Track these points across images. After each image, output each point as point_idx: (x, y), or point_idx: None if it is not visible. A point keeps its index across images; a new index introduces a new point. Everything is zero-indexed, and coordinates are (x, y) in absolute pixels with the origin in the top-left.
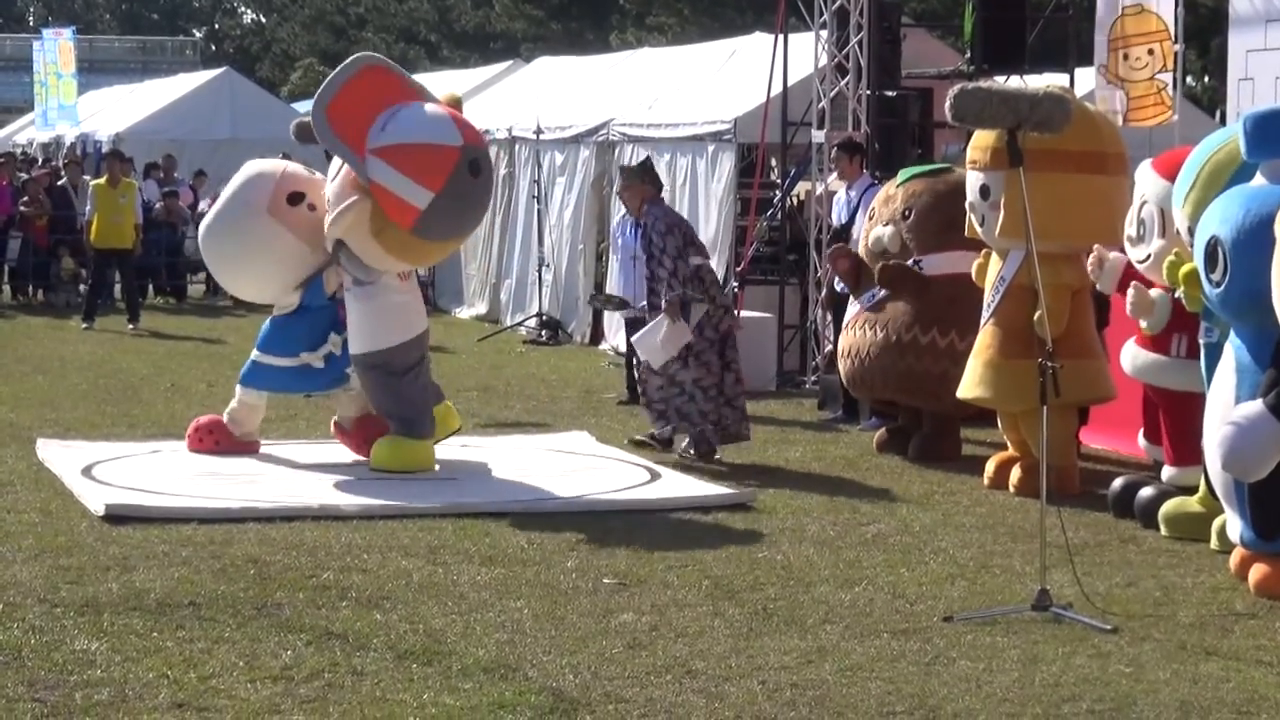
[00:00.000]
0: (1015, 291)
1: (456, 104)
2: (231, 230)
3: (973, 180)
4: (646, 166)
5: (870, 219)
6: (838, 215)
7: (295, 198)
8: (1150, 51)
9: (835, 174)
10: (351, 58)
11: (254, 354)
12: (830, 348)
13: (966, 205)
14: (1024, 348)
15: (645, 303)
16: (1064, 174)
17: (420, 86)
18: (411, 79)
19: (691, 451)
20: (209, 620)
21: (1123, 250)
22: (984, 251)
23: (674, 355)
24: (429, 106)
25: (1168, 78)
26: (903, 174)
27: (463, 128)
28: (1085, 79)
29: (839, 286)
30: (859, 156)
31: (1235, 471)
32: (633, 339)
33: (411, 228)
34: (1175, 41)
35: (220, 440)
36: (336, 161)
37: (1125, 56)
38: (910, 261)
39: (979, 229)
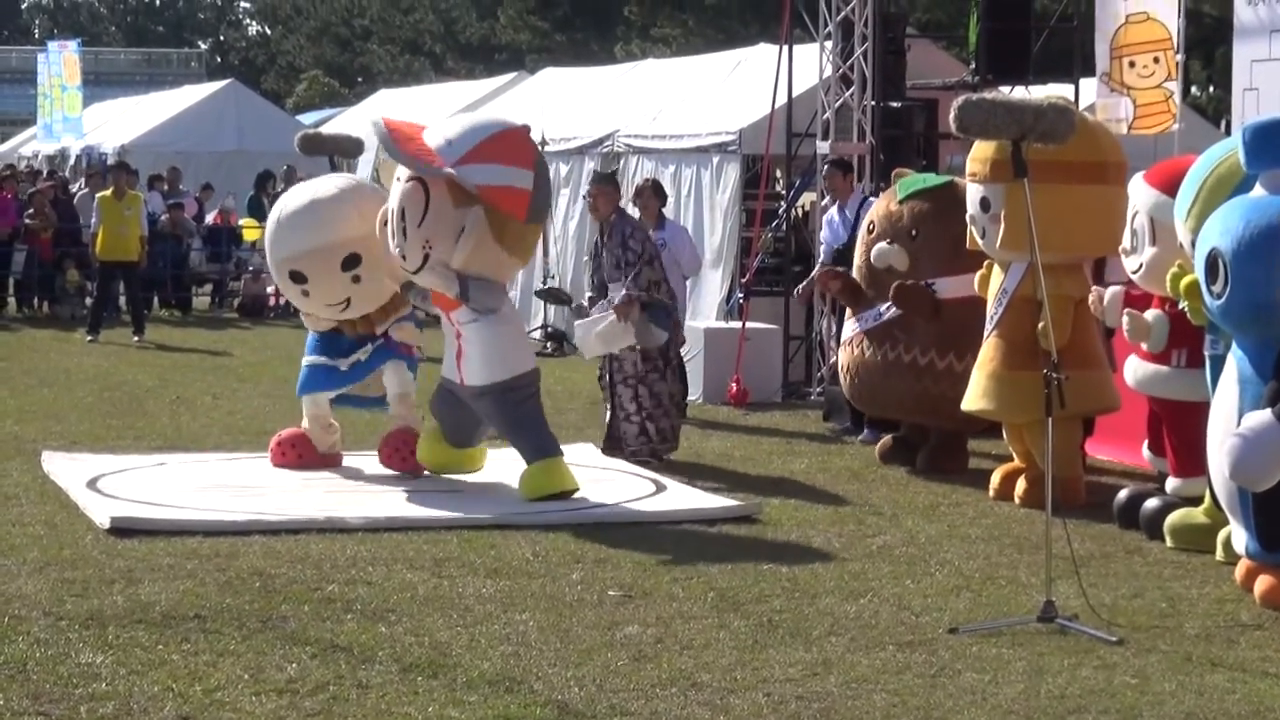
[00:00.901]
0: (1018, 303)
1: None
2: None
3: (973, 193)
4: (613, 174)
5: (869, 232)
6: (833, 235)
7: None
8: (1156, 60)
9: (828, 193)
10: (371, 123)
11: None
12: (835, 359)
13: (966, 218)
14: (1027, 359)
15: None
16: (1064, 185)
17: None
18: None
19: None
20: (214, 633)
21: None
22: (986, 263)
23: (604, 353)
24: (462, 117)
25: (1174, 86)
26: (903, 187)
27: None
28: (1090, 90)
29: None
30: (850, 175)
31: (1243, 481)
32: (576, 323)
33: (526, 215)
34: (1177, 51)
35: (303, 454)
36: (403, 206)
37: (1131, 64)
38: (923, 283)
39: (980, 241)
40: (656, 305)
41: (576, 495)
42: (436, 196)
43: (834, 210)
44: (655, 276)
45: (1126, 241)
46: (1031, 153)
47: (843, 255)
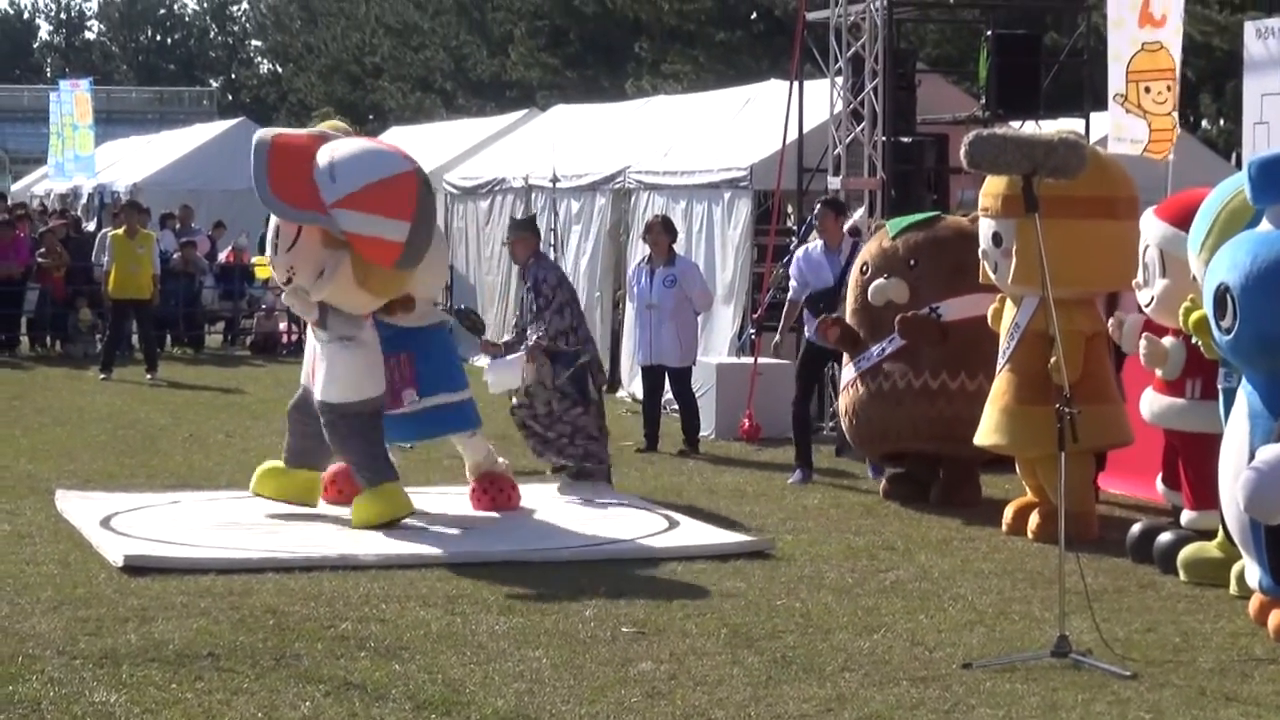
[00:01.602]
0: (1030, 338)
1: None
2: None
3: (985, 227)
4: (532, 220)
5: (863, 273)
6: (817, 277)
7: None
8: (1169, 88)
9: (819, 234)
10: (253, 141)
11: None
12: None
13: (980, 252)
14: (1040, 394)
15: (509, 336)
16: (1075, 220)
17: (317, 130)
18: (303, 130)
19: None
20: (228, 671)
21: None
22: (999, 297)
23: (504, 390)
24: (359, 142)
25: (1176, 117)
26: (893, 226)
27: (397, 150)
28: (1100, 124)
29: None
30: (843, 217)
31: (1258, 514)
32: (489, 361)
33: (393, 265)
34: (1176, 82)
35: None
36: (279, 225)
37: (1147, 90)
38: (926, 309)
39: (992, 275)
40: (561, 353)
41: (590, 531)
42: (306, 232)
43: (817, 250)
44: (564, 325)
45: (1139, 275)
46: (1043, 188)
47: (823, 298)
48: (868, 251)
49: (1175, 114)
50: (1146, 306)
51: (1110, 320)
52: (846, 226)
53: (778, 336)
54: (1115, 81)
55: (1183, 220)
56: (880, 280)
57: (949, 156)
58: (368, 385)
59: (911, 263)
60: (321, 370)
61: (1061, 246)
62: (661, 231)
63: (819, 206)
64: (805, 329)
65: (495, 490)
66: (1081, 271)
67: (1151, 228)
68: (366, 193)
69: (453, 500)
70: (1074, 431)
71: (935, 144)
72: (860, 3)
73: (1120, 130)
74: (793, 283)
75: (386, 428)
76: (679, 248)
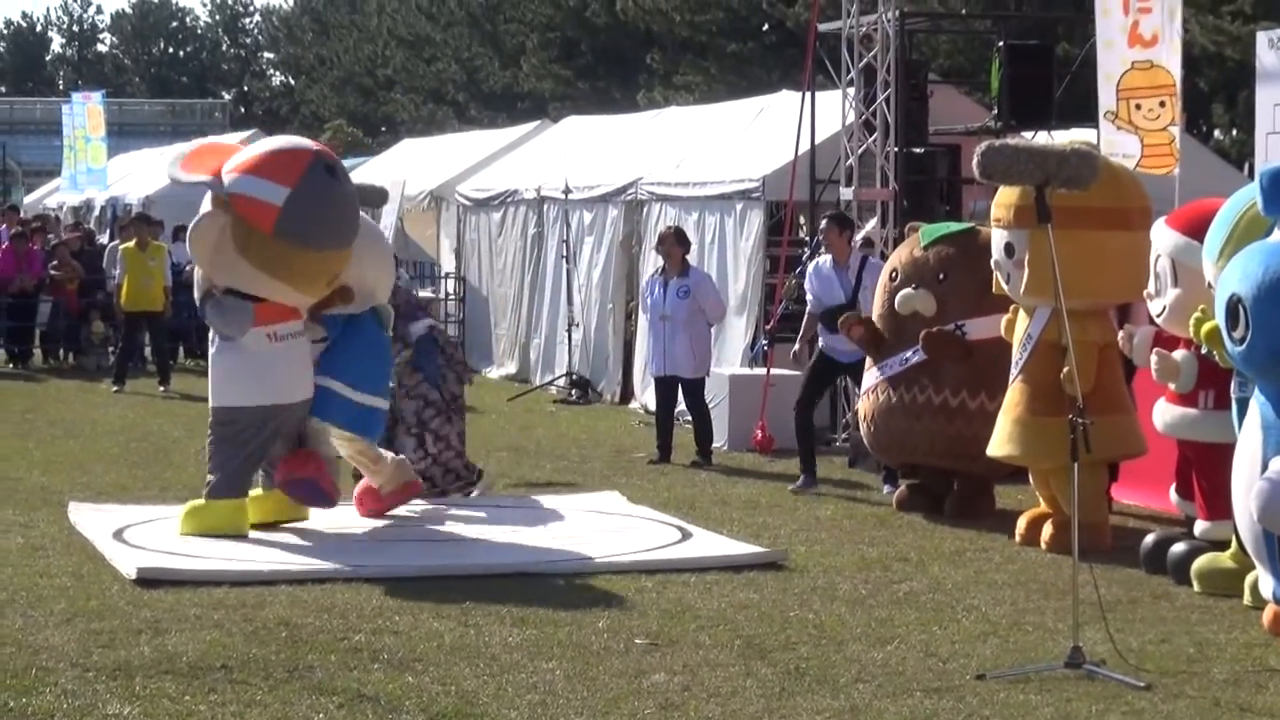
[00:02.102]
0: (1043, 349)
1: None
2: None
3: (997, 238)
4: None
5: (891, 280)
6: (827, 292)
7: None
8: (1162, 104)
9: (824, 248)
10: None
11: None
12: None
13: (992, 263)
14: (1053, 405)
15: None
16: (1088, 231)
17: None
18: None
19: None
20: (241, 683)
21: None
22: (1012, 308)
23: None
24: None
25: (1176, 130)
26: (926, 234)
27: (319, 146)
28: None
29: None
30: (849, 231)
31: (1272, 525)
32: None
33: (273, 229)
34: (1178, 96)
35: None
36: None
37: (1138, 106)
38: (951, 326)
39: (1005, 286)
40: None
41: (603, 543)
42: (204, 204)
43: (826, 265)
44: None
45: (1150, 285)
46: (1056, 198)
47: (839, 314)
48: (897, 258)
49: (1175, 129)
50: (1158, 316)
51: (1120, 333)
52: (858, 238)
53: (796, 345)
54: (1106, 99)
55: (1195, 230)
56: (908, 290)
57: (961, 167)
58: (233, 393)
59: (941, 275)
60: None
61: (1075, 257)
62: (675, 243)
63: (824, 222)
64: (820, 339)
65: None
66: (1095, 282)
67: (1163, 237)
68: (254, 161)
69: (464, 512)
70: (1087, 441)
71: (947, 155)
72: (872, 14)
73: (1111, 146)
74: (809, 296)
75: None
76: (691, 259)
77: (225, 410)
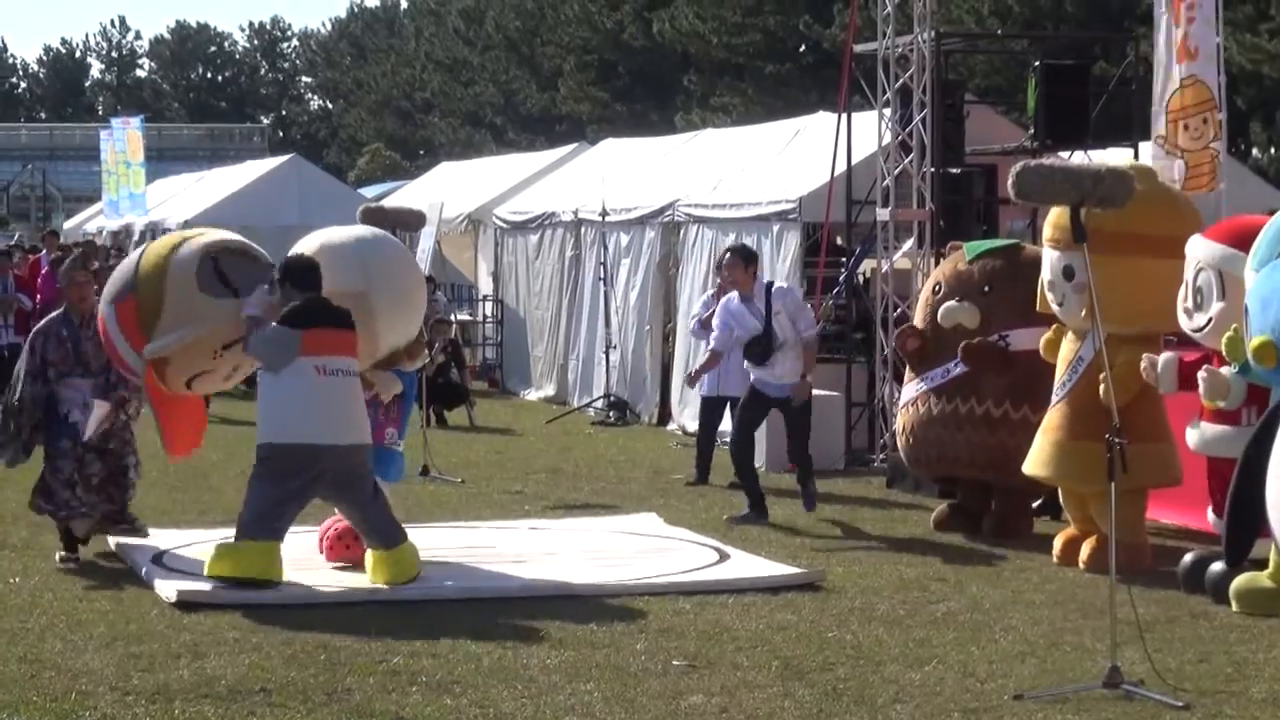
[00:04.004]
0: (1092, 373)
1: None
2: None
3: (1054, 260)
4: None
5: (935, 293)
6: (742, 326)
7: None
8: (1204, 121)
9: (727, 285)
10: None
11: None
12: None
13: (1045, 283)
14: (1094, 429)
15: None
16: (1149, 258)
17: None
18: None
19: None
20: (280, 706)
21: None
22: (1054, 327)
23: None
24: None
25: (1219, 146)
26: (970, 249)
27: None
28: (1148, 152)
29: None
30: (754, 265)
31: None
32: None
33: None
34: (1220, 109)
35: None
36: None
37: (1185, 127)
38: (995, 336)
39: (1056, 308)
40: None
41: (641, 565)
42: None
43: (734, 299)
44: None
45: (1188, 300)
46: (1115, 225)
47: (759, 343)
48: (940, 272)
49: (1215, 144)
50: (1198, 330)
51: (1143, 361)
52: (896, 257)
53: (693, 375)
54: (1157, 123)
55: (1240, 241)
56: (952, 303)
57: (998, 187)
58: (270, 429)
59: (986, 288)
60: None
61: (1132, 284)
62: (735, 262)
63: (727, 256)
64: (751, 374)
65: (352, 539)
66: (1152, 308)
67: (1206, 250)
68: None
69: (503, 535)
70: (1124, 461)
71: (984, 175)
72: (908, 34)
73: (1161, 172)
74: (716, 333)
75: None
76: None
77: (265, 445)
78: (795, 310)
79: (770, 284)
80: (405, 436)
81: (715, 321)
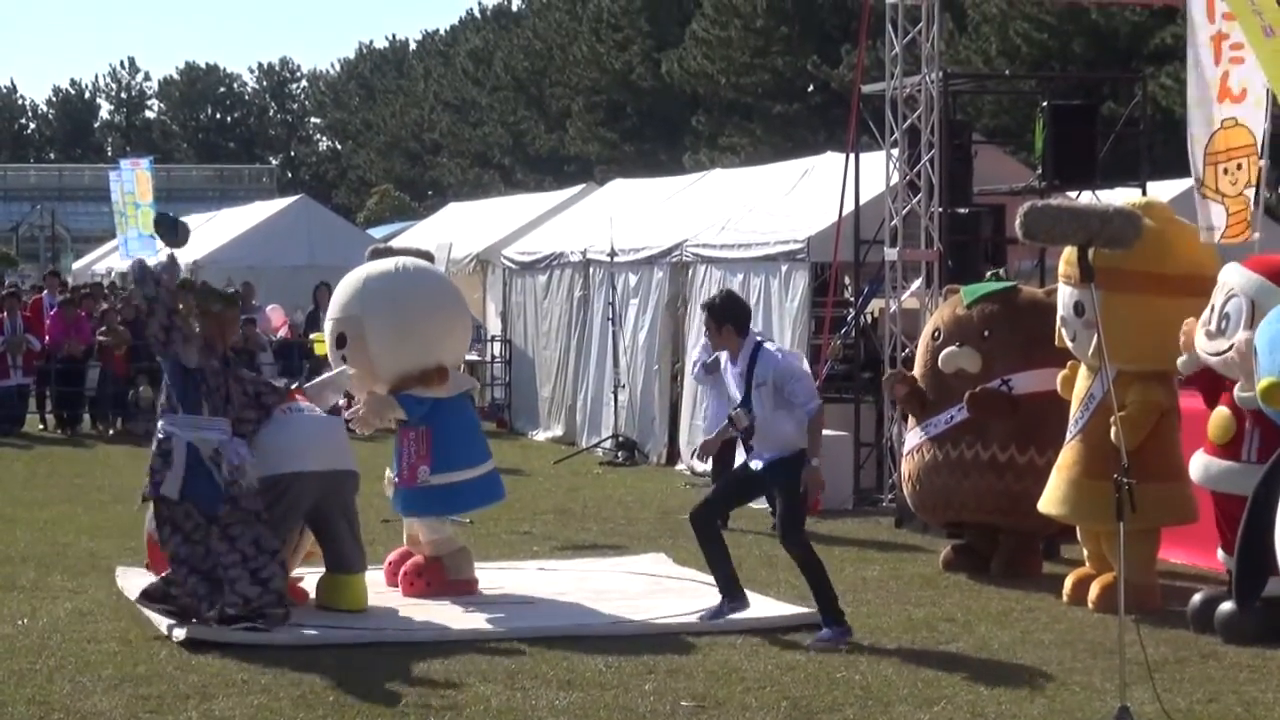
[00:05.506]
0: (1105, 410)
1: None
2: None
3: (1066, 296)
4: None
5: (934, 339)
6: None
7: None
8: (1240, 166)
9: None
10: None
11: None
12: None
13: (1058, 319)
14: (1109, 467)
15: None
16: (1165, 298)
17: None
18: None
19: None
20: None
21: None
22: (1070, 364)
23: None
24: None
25: (1250, 193)
26: (968, 294)
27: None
28: (1156, 192)
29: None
30: (729, 325)
31: None
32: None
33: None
34: (1261, 156)
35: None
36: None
37: (1225, 171)
38: (997, 381)
39: (1069, 344)
40: None
41: (650, 605)
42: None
43: (725, 359)
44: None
45: (1211, 323)
46: (1127, 262)
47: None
48: (939, 317)
49: (1250, 191)
50: (1217, 355)
51: (1184, 326)
52: (904, 297)
53: (705, 445)
54: (1195, 166)
55: (1277, 276)
56: (952, 348)
57: (1006, 227)
58: (267, 461)
59: (985, 333)
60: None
61: (1148, 323)
62: (708, 320)
63: (705, 313)
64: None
65: (431, 576)
66: (1165, 348)
67: (1241, 277)
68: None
69: (511, 575)
70: (1132, 500)
71: (992, 215)
72: (916, 75)
73: (1201, 219)
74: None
75: (399, 501)
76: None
77: (264, 478)
78: (784, 379)
79: (759, 344)
80: (463, 465)
81: (726, 378)
